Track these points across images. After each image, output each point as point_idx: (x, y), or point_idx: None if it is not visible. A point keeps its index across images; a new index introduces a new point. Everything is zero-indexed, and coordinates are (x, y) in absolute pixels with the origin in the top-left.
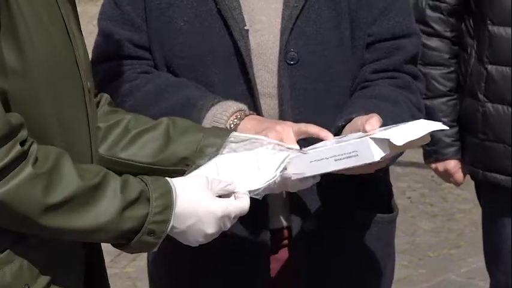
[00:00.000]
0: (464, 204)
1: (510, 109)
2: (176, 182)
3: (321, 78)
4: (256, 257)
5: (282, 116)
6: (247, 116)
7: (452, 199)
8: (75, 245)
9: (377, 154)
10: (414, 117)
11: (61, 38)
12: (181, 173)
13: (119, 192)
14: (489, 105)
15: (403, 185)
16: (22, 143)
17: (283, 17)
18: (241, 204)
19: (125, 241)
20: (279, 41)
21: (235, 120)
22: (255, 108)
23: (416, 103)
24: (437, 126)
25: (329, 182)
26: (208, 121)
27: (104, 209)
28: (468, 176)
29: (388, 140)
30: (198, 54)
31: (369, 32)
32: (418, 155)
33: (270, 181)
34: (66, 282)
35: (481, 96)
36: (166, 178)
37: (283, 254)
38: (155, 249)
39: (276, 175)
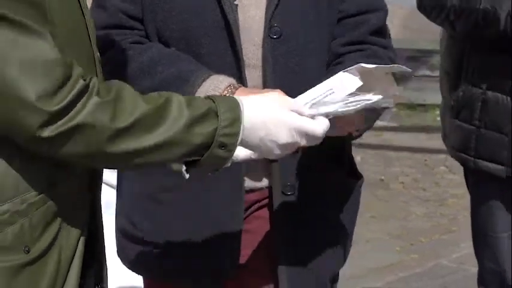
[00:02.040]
0: (457, 189)
1: (509, 98)
2: (244, 98)
3: (301, 53)
4: (232, 215)
5: (265, 86)
6: (237, 89)
7: (445, 184)
8: (82, 188)
9: (351, 85)
10: None
11: (74, 6)
12: None
13: (185, 108)
14: (489, 93)
15: (396, 170)
16: (83, 78)
17: None
18: (315, 123)
19: (198, 156)
20: (264, 17)
21: (228, 94)
22: (241, 78)
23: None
24: (402, 68)
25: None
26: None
27: (172, 125)
28: None
29: (360, 65)
30: (191, 27)
31: (339, 8)
32: (411, 140)
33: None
34: (74, 223)
35: (483, 85)
36: (237, 96)
37: (263, 213)
38: (228, 165)
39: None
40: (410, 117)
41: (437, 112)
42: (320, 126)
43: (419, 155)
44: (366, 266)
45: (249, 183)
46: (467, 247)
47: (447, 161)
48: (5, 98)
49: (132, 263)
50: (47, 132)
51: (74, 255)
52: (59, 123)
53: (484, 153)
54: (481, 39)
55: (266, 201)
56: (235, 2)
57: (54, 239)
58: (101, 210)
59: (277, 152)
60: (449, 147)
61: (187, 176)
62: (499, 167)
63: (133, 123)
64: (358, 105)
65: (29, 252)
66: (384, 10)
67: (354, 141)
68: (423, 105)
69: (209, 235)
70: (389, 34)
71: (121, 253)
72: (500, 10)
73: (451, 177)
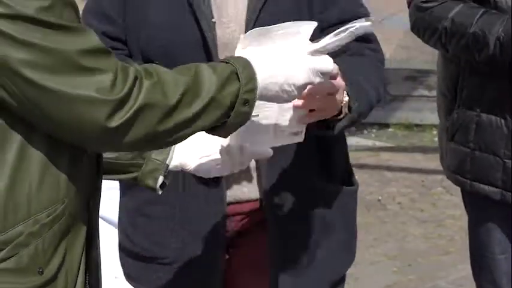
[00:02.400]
0: (454, 210)
1: (503, 121)
2: (252, 55)
3: None
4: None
5: None
6: None
7: (442, 205)
8: (84, 205)
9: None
10: (378, 77)
11: None
12: (139, 166)
13: (212, 74)
14: (484, 115)
15: (393, 190)
16: (128, 69)
17: (248, 9)
18: (324, 60)
19: (226, 118)
20: (244, 30)
21: None
22: None
23: (375, 59)
24: (363, 24)
25: (293, 156)
26: None
27: (209, 90)
28: None
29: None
30: (172, 44)
31: (320, 17)
32: (408, 160)
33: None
34: (76, 244)
35: (477, 108)
36: (244, 55)
37: (251, 226)
38: (249, 119)
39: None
40: (407, 138)
41: (435, 132)
42: (328, 61)
43: (417, 175)
44: (363, 287)
45: (235, 194)
46: (465, 268)
47: (444, 181)
48: (68, 97)
49: (132, 277)
50: (115, 121)
51: (77, 274)
52: (125, 108)
53: (479, 175)
54: (475, 62)
55: (255, 213)
56: (213, 20)
57: (63, 259)
58: (98, 226)
59: (295, 92)
60: (445, 168)
61: (160, 192)
62: (494, 189)
63: (181, 97)
64: (347, 34)
65: (42, 273)
66: (364, 17)
67: (350, 161)
68: (420, 126)
69: (194, 249)
70: (376, 38)
71: (123, 268)
72: (489, 34)
73: (448, 198)
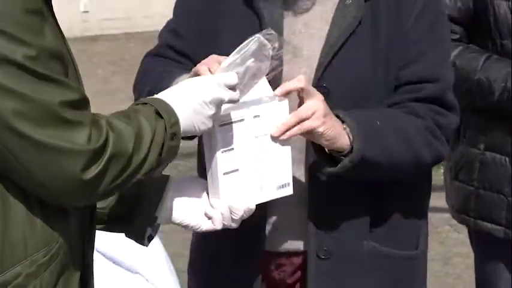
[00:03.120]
0: (461, 248)
1: (507, 159)
2: (160, 95)
3: (348, 110)
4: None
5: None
6: None
7: (449, 243)
8: (78, 245)
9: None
10: (423, 136)
11: (60, 33)
12: (128, 218)
13: (144, 118)
14: (488, 153)
15: None
16: (101, 121)
17: (321, 53)
18: (226, 74)
19: (159, 156)
20: (314, 75)
21: None
22: None
23: (428, 127)
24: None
25: (343, 208)
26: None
27: (147, 131)
28: None
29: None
30: None
31: (399, 74)
32: None
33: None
34: (73, 280)
35: (481, 146)
36: (154, 96)
37: (295, 278)
38: (177, 153)
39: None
40: None
41: (442, 171)
42: (232, 76)
43: None
44: None
45: (280, 244)
46: None
47: (451, 220)
48: (47, 148)
49: None
50: (90, 173)
51: None
52: (99, 160)
53: (483, 213)
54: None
55: (299, 265)
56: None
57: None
58: (93, 263)
59: (212, 111)
60: (450, 207)
61: (147, 244)
62: (499, 227)
63: (134, 144)
64: (247, 45)
65: None
66: (443, 81)
67: None
68: None
69: None
70: (453, 106)
71: None
72: (495, 83)
73: (455, 236)
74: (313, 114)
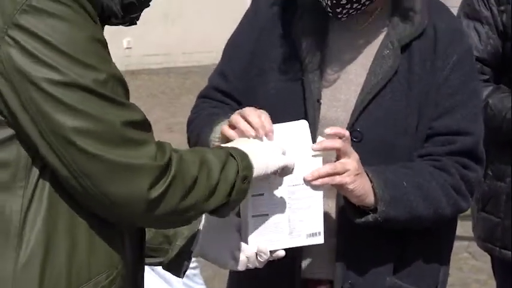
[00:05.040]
0: (480, 275)
1: None
2: (235, 144)
3: (380, 159)
4: None
5: None
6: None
7: (467, 269)
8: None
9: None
10: (446, 194)
11: None
12: (165, 251)
13: (214, 156)
14: None
15: None
16: (164, 143)
17: (357, 99)
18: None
19: (228, 197)
20: (349, 119)
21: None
22: None
23: (453, 184)
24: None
25: (371, 244)
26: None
27: (216, 167)
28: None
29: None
30: (279, 115)
31: (431, 125)
32: None
33: None
34: None
35: (507, 179)
36: (227, 145)
37: None
38: (244, 198)
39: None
40: None
41: None
42: (289, 161)
43: None
44: None
45: (309, 271)
46: None
47: (470, 247)
48: (118, 166)
49: None
50: (156, 191)
51: None
52: (165, 177)
53: (509, 243)
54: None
55: None
56: (320, 101)
57: None
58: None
59: (275, 166)
60: (476, 237)
61: (183, 276)
62: None
63: (198, 174)
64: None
65: None
66: (475, 135)
67: None
68: None
69: None
70: (481, 159)
71: None
72: None
73: (473, 263)
74: (346, 171)
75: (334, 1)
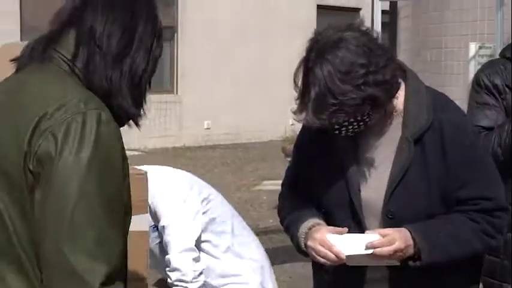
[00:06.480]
0: None
1: None
2: None
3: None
4: None
5: None
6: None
7: None
8: None
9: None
10: (475, 235)
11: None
12: None
13: None
14: (509, 235)
15: None
16: None
17: (387, 185)
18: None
19: None
20: (383, 201)
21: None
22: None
23: (482, 229)
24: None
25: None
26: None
27: None
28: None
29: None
30: (326, 200)
31: (456, 195)
32: None
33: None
34: None
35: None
36: None
37: None
38: None
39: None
40: None
41: None
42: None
43: None
44: None
45: None
46: None
47: None
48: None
49: None
50: None
51: None
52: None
53: (507, 278)
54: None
55: None
56: (359, 189)
57: None
58: None
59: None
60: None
61: None
62: None
63: None
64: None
65: None
66: (495, 199)
67: None
68: None
69: None
70: (505, 208)
71: None
72: None
73: None
74: (396, 252)
75: (336, 127)
